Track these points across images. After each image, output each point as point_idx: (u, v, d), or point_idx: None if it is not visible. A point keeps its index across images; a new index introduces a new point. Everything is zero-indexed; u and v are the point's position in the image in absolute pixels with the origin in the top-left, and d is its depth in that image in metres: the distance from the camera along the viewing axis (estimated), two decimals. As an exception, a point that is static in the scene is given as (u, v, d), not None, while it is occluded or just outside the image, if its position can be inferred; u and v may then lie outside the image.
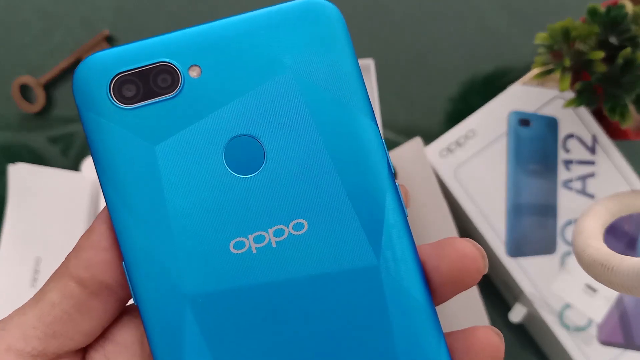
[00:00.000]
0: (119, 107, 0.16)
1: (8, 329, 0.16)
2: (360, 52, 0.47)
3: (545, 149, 0.42)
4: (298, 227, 0.16)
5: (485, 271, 0.16)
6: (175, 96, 0.16)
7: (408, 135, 0.47)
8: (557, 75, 0.38)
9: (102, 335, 0.17)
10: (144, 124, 0.16)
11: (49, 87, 0.47)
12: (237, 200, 0.16)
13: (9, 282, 0.39)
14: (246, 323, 0.16)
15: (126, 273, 0.16)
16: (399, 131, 0.47)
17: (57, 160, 0.46)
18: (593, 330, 0.40)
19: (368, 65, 0.45)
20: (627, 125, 0.38)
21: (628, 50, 0.36)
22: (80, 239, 0.17)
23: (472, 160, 0.41)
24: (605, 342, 0.40)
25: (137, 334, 0.17)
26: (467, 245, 0.16)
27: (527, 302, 0.41)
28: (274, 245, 0.16)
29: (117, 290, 0.16)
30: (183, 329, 0.16)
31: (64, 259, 0.17)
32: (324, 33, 0.16)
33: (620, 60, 0.37)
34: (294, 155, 0.16)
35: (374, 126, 0.17)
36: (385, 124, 0.47)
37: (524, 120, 0.42)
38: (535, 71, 0.41)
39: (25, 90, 0.46)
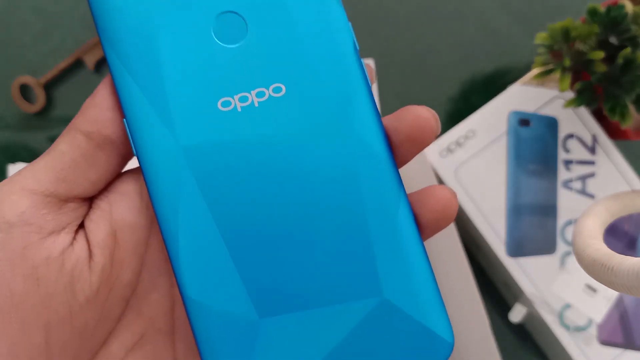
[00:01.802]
0: None
1: (22, 174, 0.18)
2: (360, 52, 0.47)
3: (545, 149, 0.42)
4: (277, 90, 0.18)
5: (438, 131, 0.19)
6: None
7: (408, 135, 0.47)
8: (557, 75, 0.38)
9: (106, 188, 0.19)
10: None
11: (49, 87, 0.47)
12: (224, 66, 0.18)
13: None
14: (233, 172, 0.18)
15: (127, 128, 0.18)
16: (399, 131, 0.47)
17: (57, 160, 0.46)
18: (593, 330, 0.40)
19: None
20: (627, 125, 0.38)
21: (628, 50, 0.36)
22: (85, 102, 0.19)
23: (472, 160, 0.41)
24: (605, 342, 0.40)
25: (137, 186, 0.19)
26: (423, 109, 0.19)
27: (527, 302, 0.41)
28: (256, 105, 0.18)
29: (119, 146, 0.18)
30: (179, 177, 0.18)
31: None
32: None
33: (620, 60, 0.37)
34: (272, 30, 0.19)
35: (340, 10, 0.19)
36: (385, 124, 0.47)
37: (524, 120, 0.42)
38: (535, 71, 0.41)
39: (25, 90, 0.46)
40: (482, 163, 0.41)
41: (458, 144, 0.41)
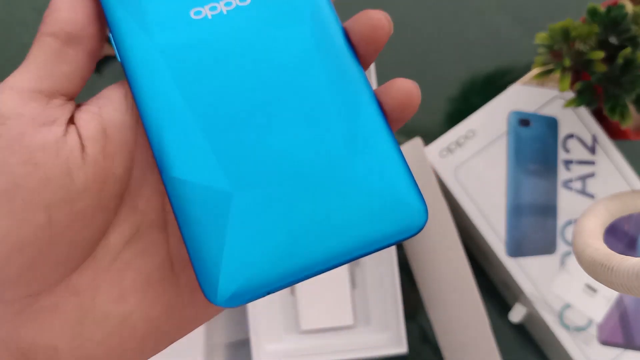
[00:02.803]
0: None
1: (5, 80, 0.20)
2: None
3: (545, 149, 0.42)
4: None
5: (390, 30, 0.21)
6: None
7: (408, 135, 0.47)
8: (557, 75, 0.38)
9: (94, 96, 0.21)
10: None
11: (49, 87, 0.47)
12: None
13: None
14: (206, 68, 0.20)
15: (111, 38, 0.20)
16: (399, 131, 0.47)
17: (57, 160, 0.46)
18: (593, 330, 0.40)
19: (368, 65, 0.45)
20: (627, 125, 0.38)
21: (628, 50, 0.36)
22: (44, 12, 0.20)
23: (472, 160, 0.41)
24: (605, 342, 0.40)
25: (122, 91, 0.21)
26: (375, 12, 0.21)
27: (527, 302, 0.41)
28: (225, 12, 0.21)
29: (84, 41, 0.20)
30: (158, 73, 0.20)
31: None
32: None
33: (620, 60, 0.37)
34: None
35: None
36: (385, 124, 0.47)
37: (524, 120, 0.42)
38: (535, 71, 0.41)
39: (25, 90, 0.46)
40: (482, 163, 0.41)
41: (458, 144, 0.41)
